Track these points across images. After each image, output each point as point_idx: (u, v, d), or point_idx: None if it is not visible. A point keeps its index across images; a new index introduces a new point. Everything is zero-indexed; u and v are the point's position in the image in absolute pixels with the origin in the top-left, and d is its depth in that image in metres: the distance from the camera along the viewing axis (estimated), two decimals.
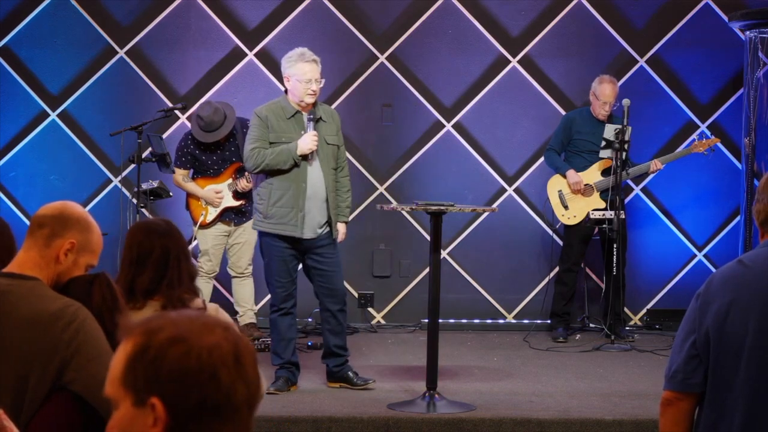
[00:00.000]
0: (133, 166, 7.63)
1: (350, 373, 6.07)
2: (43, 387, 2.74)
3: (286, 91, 6.00)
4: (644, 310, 8.57)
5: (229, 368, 1.59)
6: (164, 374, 1.58)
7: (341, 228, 6.07)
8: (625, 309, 8.24)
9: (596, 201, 7.84)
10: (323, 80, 5.97)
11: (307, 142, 5.82)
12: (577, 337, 7.97)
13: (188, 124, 8.15)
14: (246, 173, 7.35)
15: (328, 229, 5.97)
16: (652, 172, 7.90)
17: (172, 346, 1.58)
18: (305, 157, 5.86)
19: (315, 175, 5.91)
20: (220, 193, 7.41)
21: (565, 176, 7.88)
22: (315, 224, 5.91)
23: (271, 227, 5.89)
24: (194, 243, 7.59)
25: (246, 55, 8.44)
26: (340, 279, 6.09)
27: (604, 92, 7.78)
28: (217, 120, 7.23)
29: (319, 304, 6.12)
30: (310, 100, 5.92)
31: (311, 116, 5.91)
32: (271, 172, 5.87)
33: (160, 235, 3.46)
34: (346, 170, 6.15)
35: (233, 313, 7.62)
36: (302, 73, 5.85)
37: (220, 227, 7.48)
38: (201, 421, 1.58)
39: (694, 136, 8.47)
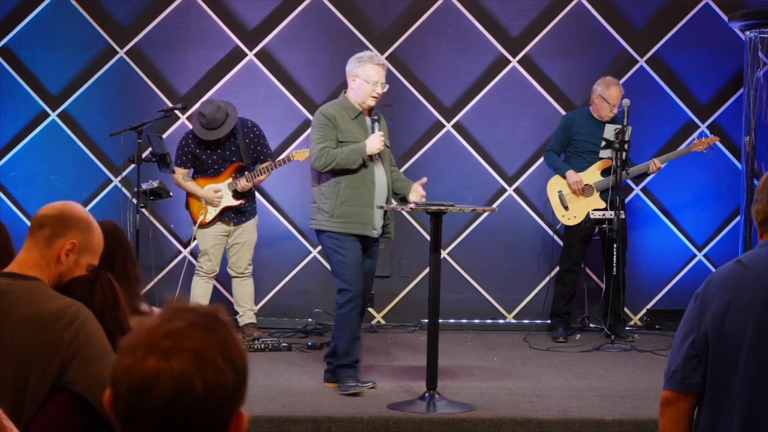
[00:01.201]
0: (133, 166, 7.63)
1: None
2: (43, 387, 2.74)
3: (344, 91, 6.07)
4: (644, 310, 8.57)
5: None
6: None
7: (419, 189, 6.07)
8: (625, 309, 8.24)
9: (596, 201, 7.84)
10: (387, 86, 6.04)
11: (375, 142, 5.92)
12: (577, 337, 7.97)
13: (188, 124, 8.16)
14: (246, 173, 7.35)
15: (382, 230, 6.07)
16: (653, 172, 7.90)
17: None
18: (370, 157, 5.94)
19: (380, 174, 6.01)
20: (219, 192, 7.41)
21: (564, 177, 7.89)
22: (379, 223, 6.02)
23: (341, 226, 5.92)
24: (194, 243, 7.59)
25: (246, 55, 8.45)
26: (373, 283, 6.23)
27: (612, 95, 7.79)
28: (219, 118, 7.23)
29: None
30: (373, 102, 6.01)
31: (375, 117, 6.02)
32: (337, 172, 5.92)
33: (104, 236, 3.40)
34: (396, 167, 6.31)
35: (233, 313, 7.63)
36: (370, 75, 5.94)
37: (220, 227, 7.47)
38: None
39: (694, 136, 8.48)
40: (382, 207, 6.00)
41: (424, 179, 6.18)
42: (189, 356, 1.58)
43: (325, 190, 5.97)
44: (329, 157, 5.87)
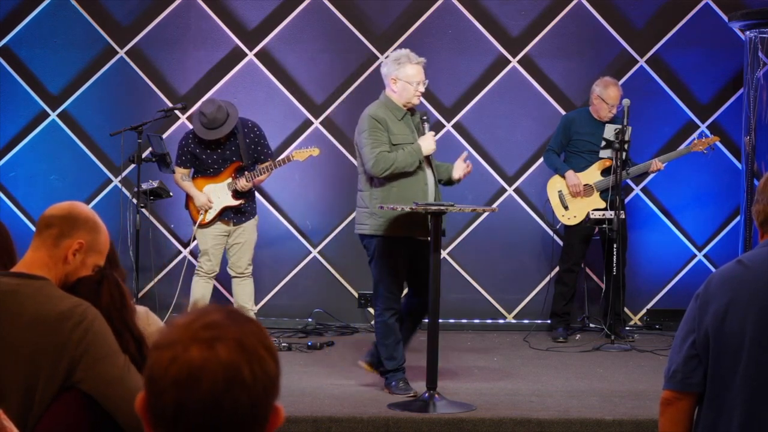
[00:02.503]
0: (133, 166, 7.63)
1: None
2: (52, 387, 2.75)
3: (384, 92, 5.98)
4: (644, 310, 8.58)
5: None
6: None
7: (460, 164, 6.04)
8: (625, 309, 8.24)
9: (596, 201, 7.84)
10: (427, 81, 6.00)
11: (430, 142, 5.87)
12: (577, 337, 7.98)
13: (188, 124, 8.16)
14: (246, 173, 7.35)
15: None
16: (653, 172, 7.90)
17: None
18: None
19: (430, 176, 5.94)
20: (212, 203, 7.36)
21: (564, 177, 7.89)
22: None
23: (398, 231, 5.81)
24: (194, 243, 7.59)
25: (246, 55, 8.45)
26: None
27: (611, 95, 7.79)
28: (220, 117, 7.22)
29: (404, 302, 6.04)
30: (417, 101, 5.95)
31: (425, 117, 5.98)
32: (392, 175, 5.81)
33: None
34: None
35: None
36: (411, 76, 5.87)
37: (220, 227, 7.46)
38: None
39: (694, 136, 8.48)
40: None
41: (465, 153, 6.12)
42: (233, 345, 1.56)
43: (378, 194, 5.83)
44: (388, 161, 5.75)
